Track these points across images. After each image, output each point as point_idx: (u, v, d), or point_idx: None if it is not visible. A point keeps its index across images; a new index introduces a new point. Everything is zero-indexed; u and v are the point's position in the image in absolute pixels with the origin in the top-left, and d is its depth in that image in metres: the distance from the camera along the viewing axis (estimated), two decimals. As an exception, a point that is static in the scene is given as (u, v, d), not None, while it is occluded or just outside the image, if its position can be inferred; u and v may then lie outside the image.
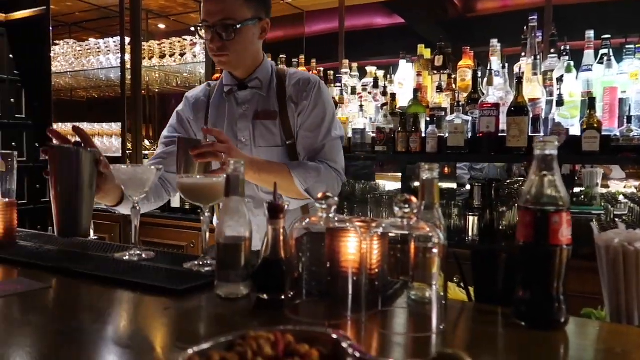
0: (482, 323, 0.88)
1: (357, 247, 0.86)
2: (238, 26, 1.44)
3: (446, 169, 3.44)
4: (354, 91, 2.93)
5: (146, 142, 3.47)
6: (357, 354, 0.56)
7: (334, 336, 0.57)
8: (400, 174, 3.41)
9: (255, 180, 1.46)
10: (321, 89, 1.59)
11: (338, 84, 2.93)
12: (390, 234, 0.88)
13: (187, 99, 1.72)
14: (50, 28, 3.64)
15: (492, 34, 2.60)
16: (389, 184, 3.30)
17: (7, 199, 1.46)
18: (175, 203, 3.08)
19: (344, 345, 0.57)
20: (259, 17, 1.50)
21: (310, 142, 1.57)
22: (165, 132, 1.71)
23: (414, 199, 0.79)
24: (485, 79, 2.47)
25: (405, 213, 0.79)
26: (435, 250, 0.79)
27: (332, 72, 3.08)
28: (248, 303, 0.95)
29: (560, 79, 2.31)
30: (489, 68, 2.47)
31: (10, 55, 4.14)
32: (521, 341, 0.80)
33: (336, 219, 0.87)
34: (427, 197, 0.91)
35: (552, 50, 2.52)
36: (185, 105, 1.71)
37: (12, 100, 4.18)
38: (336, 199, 0.86)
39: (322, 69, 3.14)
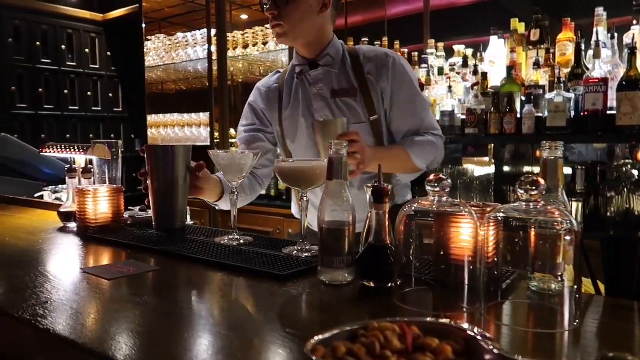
0: (620, 320, 0.78)
1: (472, 233, 0.79)
2: None
3: (538, 152, 3.21)
4: (440, 72, 2.80)
5: (232, 131, 3.56)
6: (496, 351, 0.50)
7: (471, 331, 0.52)
8: (487, 158, 3.24)
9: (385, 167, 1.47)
10: (401, 62, 1.55)
11: (424, 65, 2.81)
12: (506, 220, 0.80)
13: (258, 89, 1.71)
14: (143, 25, 3.83)
15: (594, 3, 2.35)
16: (478, 168, 3.14)
17: (114, 185, 1.55)
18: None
19: (481, 341, 0.51)
20: None
21: (410, 119, 1.55)
22: (241, 127, 1.71)
23: (541, 181, 0.71)
24: (590, 52, 2.25)
25: (531, 196, 0.71)
26: (568, 238, 0.71)
27: (416, 54, 2.97)
28: (353, 290, 0.92)
29: (681, 48, 2.04)
30: (594, 40, 2.25)
31: (108, 53, 4.42)
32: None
33: (449, 203, 0.81)
34: (549, 179, 0.82)
35: (671, 16, 2.23)
36: (257, 95, 1.70)
37: (110, 95, 4.47)
38: (449, 180, 0.80)
39: (406, 50, 3.03)
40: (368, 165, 1.34)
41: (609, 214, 2.24)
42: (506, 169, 2.92)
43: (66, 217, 1.61)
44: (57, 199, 2.37)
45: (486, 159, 3.30)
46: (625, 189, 2.22)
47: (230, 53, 3.46)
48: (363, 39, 3.04)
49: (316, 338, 0.54)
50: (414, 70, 2.56)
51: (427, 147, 1.53)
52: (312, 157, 1.53)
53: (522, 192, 0.72)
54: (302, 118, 1.57)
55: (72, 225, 1.58)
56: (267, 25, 3.38)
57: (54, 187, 2.49)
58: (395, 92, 1.53)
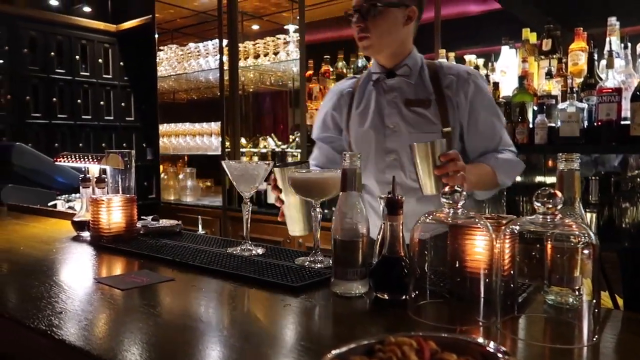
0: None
1: (488, 246, 0.78)
2: (381, 6, 1.44)
3: (550, 162, 3.19)
4: (452, 82, 2.79)
5: (242, 140, 3.58)
6: (516, 367, 0.49)
7: (488, 347, 0.51)
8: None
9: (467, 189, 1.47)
10: (481, 81, 1.56)
11: (435, 75, 2.80)
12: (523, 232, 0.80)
13: (331, 92, 1.74)
14: (156, 35, 3.88)
15: (607, 13, 2.34)
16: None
17: (127, 195, 1.56)
18: (272, 199, 3.14)
19: (499, 357, 0.51)
20: (404, 4, 1.49)
21: (489, 138, 1.56)
22: (315, 133, 1.74)
23: (558, 193, 0.71)
24: (603, 62, 2.23)
25: (548, 209, 0.71)
26: (586, 252, 0.70)
27: (427, 64, 2.96)
28: (366, 302, 0.91)
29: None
30: (606, 49, 2.23)
31: (121, 63, 4.47)
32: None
33: (464, 215, 0.80)
34: (566, 191, 0.81)
35: (685, 26, 2.22)
36: (329, 98, 1.72)
37: (122, 104, 4.52)
38: (465, 193, 0.79)
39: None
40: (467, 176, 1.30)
41: (623, 225, 2.21)
42: (518, 179, 2.89)
43: (80, 226, 1.62)
44: (70, 207, 2.39)
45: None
46: (641, 200, 2.19)
47: (241, 63, 3.49)
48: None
49: (333, 352, 0.53)
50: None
51: (512, 164, 1.55)
52: (375, 163, 1.56)
53: (539, 204, 0.71)
54: (370, 123, 1.58)
55: (86, 234, 1.59)
56: (278, 36, 3.41)
57: (67, 196, 2.51)
58: (474, 111, 1.53)
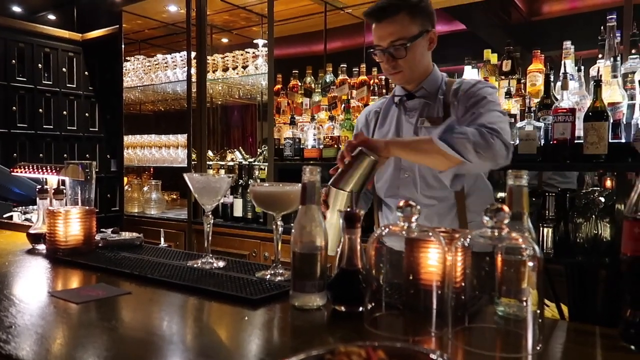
0: (583, 345, 0.80)
1: (441, 258, 0.81)
2: (408, 44, 1.48)
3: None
4: (416, 99, 2.86)
5: (209, 153, 3.56)
6: (459, 375, 0.51)
7: (432, 355, 0.53)
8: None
9: (405, 157, 1.48)
10: (479, 84, 1.54)
11: (400, 92, 2.87)
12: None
13: (363, 111, 1.83)
14: (122, 45, 3.83)
15: (563, 37, 2.46)
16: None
17: (86, 207, 1.53)
18: (238, 212, 3.13)
19: (443, 364, 0.52)
20: (426, 30, 1.53)
21: (467, 117, 1.45)
22: None
23: (505, 208, 0.74)
24: (559, 83, 2.34)
25: (495, 223, 0.74)
26: (531, 264, 0.73)
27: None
28: (324, 314, 0.92)
29: (643, 81, 2.14)
30: (562, 71, 2.34)
31: (86, 73, 4.39)
32: (630, 366, 0.72)
33: (417, 228, 0.83)
34: (515, 206, 0.85)
35: (633, 51, 2.35)
36: (361, 117, 1.82)
37: (86, 114, 4.42)
38: (418, 207, 0.82)
39: (383, 77, 3.10)
40: (376, 147, 1.30)
41: (578, 240, 2.30)
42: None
43: (35, 238, 1.57)
44: (27, 220, 2.31)
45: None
46: (593, 216, 2.28)
47: (210, 75, 3.48)
48: (342, 65, 3.10)
49: (283, 363, 0.54)
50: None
51: (456, 133, 1.33)
52: (391, 179, 1.60)
53: (487, 219, 0.74)
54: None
55: (42, 247, 1.54)
56: (247, 49, 3.43)
57: (24, 207, 2.43)
58: (462, 107, 1.50)
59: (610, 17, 2.33)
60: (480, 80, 1.62)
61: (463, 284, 0.81)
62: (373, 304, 0.85)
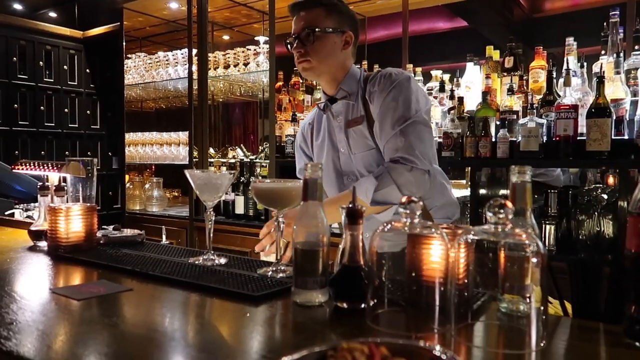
0: (587, 341, 0.80)
1: (443, 254, 0.80)
2: (317, 31, 1.50)
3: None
4: (418, 96, 2.85)
5: (211, 150, 3.55)
6: (462, 372, 0.51)
7: (436, 351, 0.53)
8: (464, 181, 3.29)
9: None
10: (393, 76, 1.50)
11: (402, 89, 2.86)
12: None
13: (300, 127, 1.85)
14: (124, 43, 3.83)
15: (565, 34, 2.45)
16: (454, 191, 3.18)
17: (88, 204, 1.53)
18: (239, 210, 3.12)
19: (447, 361, 0.52)
20: (341, 30, 1.55)
21: (385, 134, 1.46)
22: (297, 168, 1.83)
23: (509, 204, 0.73)
24: (561, 80, 2.33)
25: (499, 219, 0.73)
26: (534, 260, 0.72)
27: (395, 77, 3.02)
28: (326, 311, 0.92)
29: (646, 78, 2.13)
30: (565, 68, 2.33)
31: (87, 70, 4.39)
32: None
33: (420, 224, 0.82)
34: (518, 203, 0.84)
35: (636, 47, 2.34)
36: (299, 133, 1.83)
37: (87, 112, 4.42)
38: (421, 203, 0.81)
39: (384, 74, 3.08)
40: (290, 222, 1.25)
41: (580, 237, 2.29)
42: (482, 191, 2.96)
43: (37, 235, 1.57)
44: (28, 217, 2.31)
45: (463, 181, 3.37)
46: (596, 213, 2.28)
47: (211, 73, 3.47)
48: (343, 62, 3.09)
49: (284, 359, 0.54)
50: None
51: (367, 183, 1.41)
52: (337, 186, 1.63)
53: (490, 214, 0.73)
54: (327, 150, 1.65)
55: (43, 244, 1.54)
56: (249, 46, 3.42)
57: (25, 205, 2.43)
58: (377, 106, 1.49)
59: (613, 13, 2.32)
60: (387, 71, 1.54)
61: (466, 281, 0.80)
62: (375, 301, 0.85)
